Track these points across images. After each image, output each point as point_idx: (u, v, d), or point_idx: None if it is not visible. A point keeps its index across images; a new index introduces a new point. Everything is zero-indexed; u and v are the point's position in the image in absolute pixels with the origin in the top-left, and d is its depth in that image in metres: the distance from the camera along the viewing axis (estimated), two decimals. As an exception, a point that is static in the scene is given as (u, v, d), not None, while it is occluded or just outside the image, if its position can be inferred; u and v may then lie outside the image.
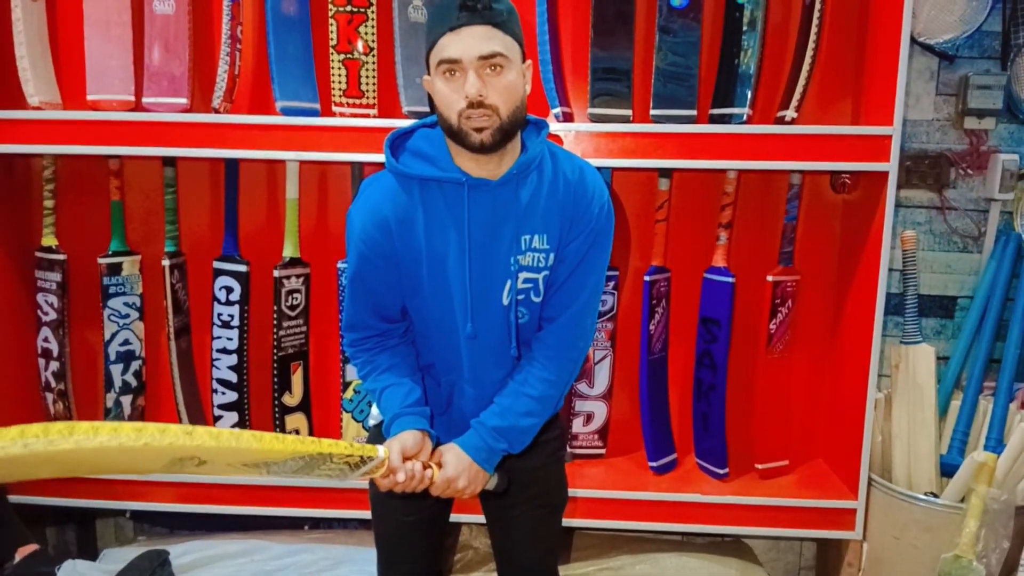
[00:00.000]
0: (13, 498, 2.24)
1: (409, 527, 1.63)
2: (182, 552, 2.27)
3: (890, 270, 2.12)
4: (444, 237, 1.39)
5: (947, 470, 2.22)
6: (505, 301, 1.43)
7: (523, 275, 1.42)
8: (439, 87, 1.31)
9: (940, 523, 2.09)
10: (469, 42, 1.27)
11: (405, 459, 1.36)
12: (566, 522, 2.19)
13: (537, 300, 1.46)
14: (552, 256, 1.43)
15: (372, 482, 1.65)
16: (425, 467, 1.38)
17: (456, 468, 1.41)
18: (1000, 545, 2.02)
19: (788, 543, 2.64)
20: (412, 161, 1.39)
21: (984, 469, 2.02)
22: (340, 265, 2.27)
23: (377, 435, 1.62)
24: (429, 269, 1.41)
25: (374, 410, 1.62)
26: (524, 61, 1.36)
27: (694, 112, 2.15)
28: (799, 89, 2.09)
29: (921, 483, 2.22)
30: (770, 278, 2.23)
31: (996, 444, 2.18)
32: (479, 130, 1.30)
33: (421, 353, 1.54)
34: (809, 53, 2.08)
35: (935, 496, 2.16)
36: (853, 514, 2.19)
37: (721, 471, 2.30)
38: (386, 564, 1.70)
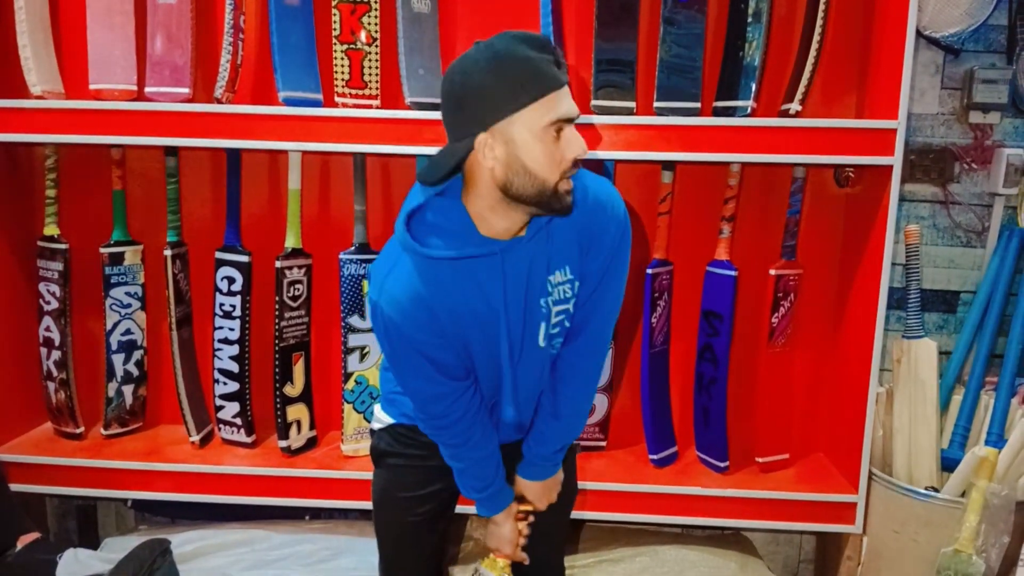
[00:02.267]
0: (14, 486, 2.25)
1: (414, 527, 1.63)
2: (183, 541, 2.27)
3: (893, 264, 2.12)
4: (484, 301, 1.36)
5: (948, 465, 2.22)
6: (542, 343, 1.44)
7: (556, 310, 1.42)
8: (540, 148, 1.23)
9: (940, 518, 2.09)
10: (571, 101, 1.25)
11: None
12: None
13: (568, 325, 1.48)
14: (577, 284, 1.42)
15: (376, 480, 1.66)
16: (518, 519, 1.61)
17: (537, 496, 1.59)
18: (1000, 540, 2.02)
19: (788, 536, 2.64)
20: (439, 243, 1.32)
21: (985, 464, 2.02)
22: (342, 256, 2.26)
23: (382, 439, 1.62)
24: (472, 333, 1.39)
25: (378, 412, 1.63)
26: None
27: (698, 105, 2.14)
28: (804, 82, 2.08)
29: (922, 477, 2.22)
30: (772, 272, 2.23)
31: (997, 439, 2.18)
32: (569, 192, 1.28)
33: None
34: (814, 46, 2.07)
35: (935, 491, 2.16)
36: (853, 508, 2.19)
37: (722, 464, 2.30)
38: (390, 565, 1.70)
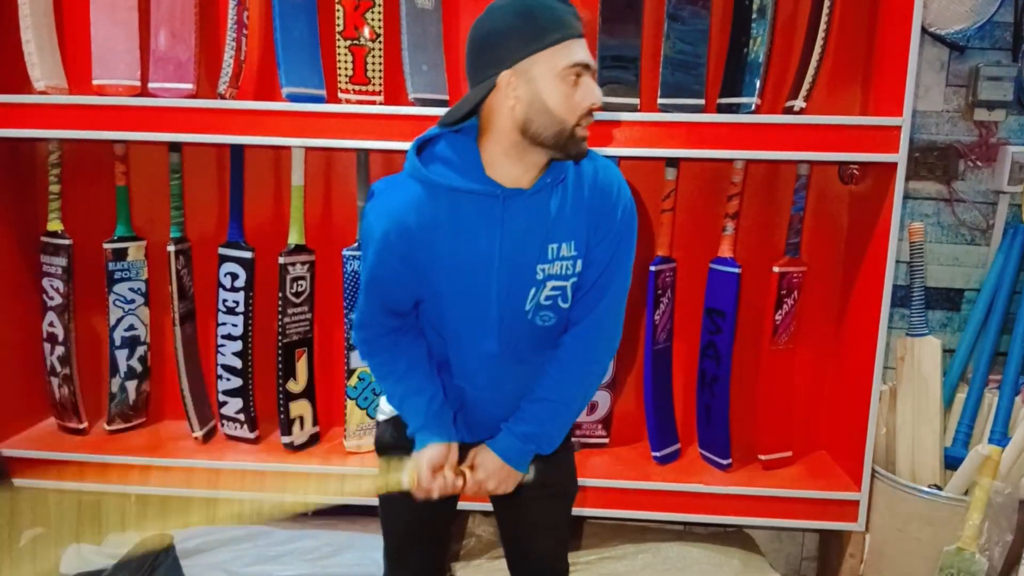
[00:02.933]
0: (18, 481, 2.25)
1: (418, 521, 1.63)
2: (186, 537, 2.28)
3: (897, 262, 2.11)
4: (472, 248, 1.35)
5: (951, 463, 2.22)
6: (527, 307, 1.41)
7: (551, 284, 1.40)
8: (561, 90, 1.28)
9: (943, 516, 2.09)
10: (588, 52, 1.30)
11: (434, 471, 1.42)
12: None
13: (564, 306, 1.44)
14: (580, 262, 1.41)
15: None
16: (456, 474, 1.44)
17: (488, 471, 1.46)
18: (1003, 538, 2.02)
19: (790, 534, 2.64)
20: (443, 170, 1.35)
21: (988, 462, 2.02)
22: (345, 252, 2.26)
23: (387, 430, 1.61)
24: (452, 278, 1.38)
25: (383, 404, 1.61)
26: None
27: (702, 101, 2.13)
28: (808, 79, 2.07)
29: (925, 475, 2.22)
30: (776, 269, 2.22)
31: (1001, 437, 2.17)
32: (584, 138, 1.32)
33: (434, 352, 1.51)
34: (819, 42, 2.07)
35: (939, 489, 2.15)
36: (856, 506, 2.19)
37: (724, 462, 2.30)
38: (393, 558, 1.70)
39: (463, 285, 1.38)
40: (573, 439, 2.36)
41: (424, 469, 1.41)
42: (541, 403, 1.47)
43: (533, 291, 1.40)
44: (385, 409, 1.62)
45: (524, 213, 1.36)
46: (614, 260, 1.43)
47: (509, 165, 1.34)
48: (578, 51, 1.28)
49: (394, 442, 1.61)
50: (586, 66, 1.29)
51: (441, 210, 1.34)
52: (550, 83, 1.27)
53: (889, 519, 2.18)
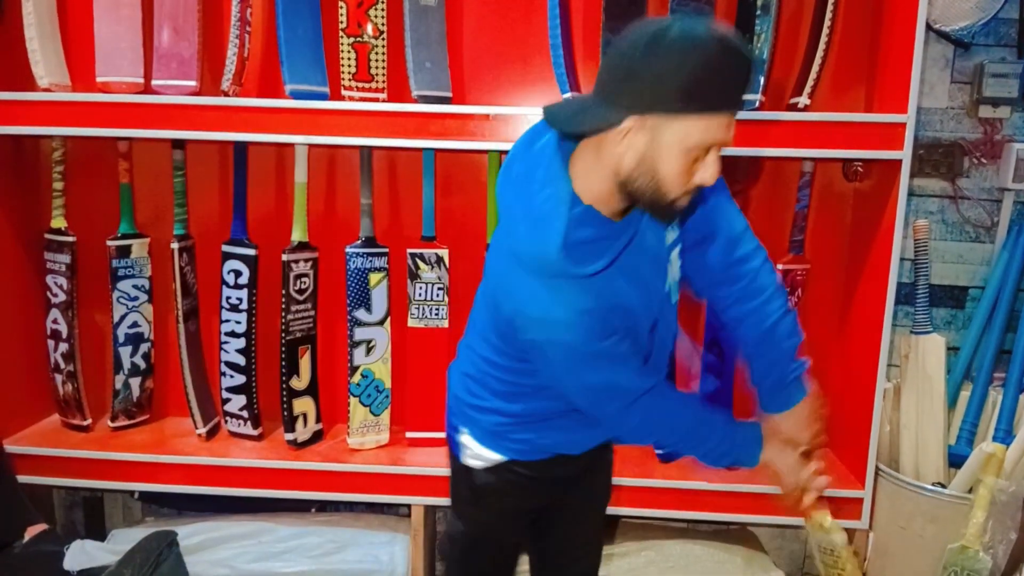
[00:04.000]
0: (21, 478, 2.25)
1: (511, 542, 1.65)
2: (190, 533, 2.28)
3: (901, 259, 2.11)
4: (638, 282, 1.31)
5: (955, 461, 2.22)
6: (672, 293, 1.40)
7: (674, 254, 1.38)
8: (681, 163, 1.14)
9: (947, 514, 2.08)
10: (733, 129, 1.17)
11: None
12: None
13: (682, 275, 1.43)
14: (675, 232, 1.38)
15: (474, 511, 1.61)
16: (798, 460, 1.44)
17: (794, 427, 1.44)
18: (1007, 536, 2.02)
19: (793, 531, 2.64)
20: (590, 255, 1.23)
21: (992, 460, 2.02)
22: (348, 250, 2.26)
23: (494, 476, 1.51)
24: (634, 312, 1.31)
25: (476, 446, 1.50)
26: None
27: (706, 98, 2.12)
28: (812, 75, 2.07)
29: (929, 473, 2.22)
30: (780, 266, 2.22)
31: (1005, 435, 2.17)
32: (682, 207, 1.22)
33: None
34: (823, 39, 2.06)
35: (943, 487, 2.15)
36: (859, 503, 2.18)
37: (728, 459, 2.30)
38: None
39: (644, 311, 1.33)
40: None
41: (803, 471, 1.42)
42: (778, 339, 1.49)
43: (670, 270, 1.37)
44: (482, 454, 1.50)
45: (645, 235, 1.31)
46: (725, 197, 1.45)
47: (616, 202, 1.23)
48: (725, 130, 1.14)
49: (503, 487, 1.52)
50: (723, 144, 1.16)
51: (600, 281, 1.24)
52: (673, 151, 1.13)
53: (893, 517, 2.18)
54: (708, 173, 1.16)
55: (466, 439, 1.51)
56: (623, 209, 1.26)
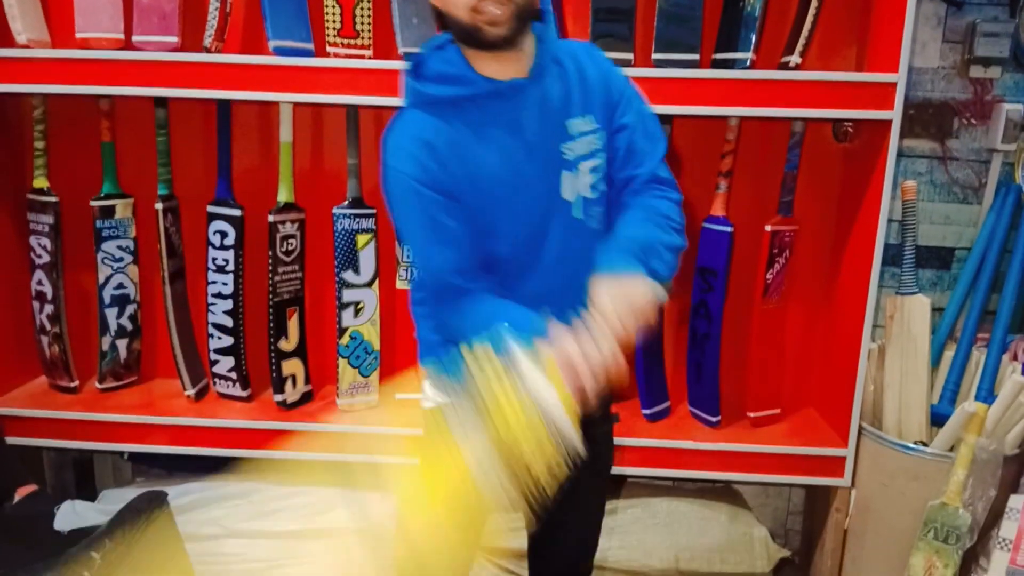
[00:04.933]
0: (11, 439, 2.26)
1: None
2: (180, 493, 2.30)
3: (889, 220, 2.11)
4: (501, 152, 1.31)
5: (937, 420, 2.25)
6: (568, 197, 1.35)
7: (586, 166, 1.35)
8: None
9: (928, 471, 2.12)
10: None
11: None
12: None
13: (604, 188, 1.38)
14: (602, 136, 1.37)
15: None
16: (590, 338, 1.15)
17: (607, 300, 1.18)
18: (987, 493, 2.06)
19: (777, 489, 2.68)
20: (441, 86, 1.30)
21: (974, 419, 2.04)
22: (335, 211, 2.24)
23: (432, 422, 1.48)
24: (494, 192, 1.30)
25: (428, 389, 1.49)
26: None
27: (697, 56, 2.10)
28: (804, 34, 2.04)
29: (911, 432, 2.25)
30: (768, 228, 2.22)
31: (987, 395, 2.20)
32: (493, 24, 1.23)
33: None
34: (815, -3, 2.04)
35: (925, 445, 2.18)
36: (842, 462, 2.21)
37: (713, 419, 2.32)
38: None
39: (506, 195, 1.31)
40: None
41: (572, 342, 1.15)
42: (639, 212, 1.36)
43: (568, 176, 1.34)
44: (431, 395, 1.48)
45: (531, 101, 1.32)
46: (639, 107, 1.41)
47: (485, 64, 1.30)
48: None
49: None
50: None
51: (456, 125, 1.30)
52: None
53: (875, 475, 2.22)
54: None
55: (424, 384, 1.51)
56: (510, 70, 1.30)
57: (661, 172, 1.41)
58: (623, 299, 1.19)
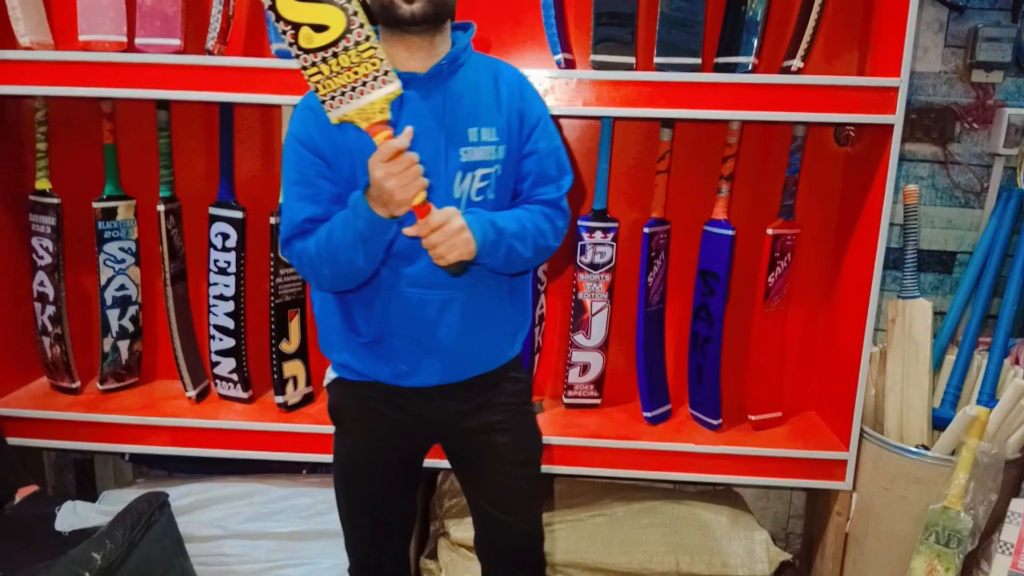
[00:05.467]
0: (11, 440, 2.26)
1: (381, 496, 1.63)
2: (181, 494, 2.30)
3: (891, 225, 2.11)
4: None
5: (939, 424, 2.25)
6: (456, 194, 1.44)
7: (479, 172, 1.44)
8: None
9: (930, 475, 2.12)
10: None
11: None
12: (560, 469, 2.23)
13: (492, 197, 1.47)
14: (502, 148, 1.45)
15: (335, 446, 1.64)
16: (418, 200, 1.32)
17: (445, 214, 1.33)
18: (988, 498, 2.05)
19: (778, 492, 2.68)
20: None
21: (976, 423, 2.04)
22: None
23: (337, 395, 1.62)
24: (362, 168, 1.36)
25: (329, 371, 1.61)
26: None
27: (699, 60, 2.10)
28: (806, 38, 2.04)
29: (913, 436, 2.25)
30: (770, 231, 2.22)
31: (989, 399, 2.20)
32: (410, 0, 1.32)
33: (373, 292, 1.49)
34: (817, 1, 2.03)
35: (926, 449, 2.18)
36: (844, 465, 2.21)
37: (715, 422, 2.32)
38: (354, 539, 1.71)
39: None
40: (566, 400, 2.39)
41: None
42: (512, 213, 1.48)
43: (459, 176, 1.43)
44: (329, 372, 1.61)
45: (428, 95, 1.41)
46: (550, 140, 1.52)
47: (395, 51, 1.40)
48: None
49: (344, 409, 1.62)
50: None
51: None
52: None
53: (876, 478, 2.22)
54: None
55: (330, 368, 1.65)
56: (416, 62, 1.40)
57: (561, 203, 1.54)
58: (446, 231, 1.32)
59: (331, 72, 1.28)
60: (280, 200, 2.02)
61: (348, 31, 1.26)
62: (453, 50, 1.44)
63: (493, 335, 1.56)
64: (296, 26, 1.25)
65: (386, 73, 1.30)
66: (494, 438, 1.60)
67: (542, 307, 2.40)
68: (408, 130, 1.30)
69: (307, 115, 1.44)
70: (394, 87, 1.31)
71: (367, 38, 1.28)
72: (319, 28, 1.26)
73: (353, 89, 1.29)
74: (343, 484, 1.68)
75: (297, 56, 1.28)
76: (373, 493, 1.64)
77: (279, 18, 1.25)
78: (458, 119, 1.43)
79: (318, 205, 1.44)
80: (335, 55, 1.27)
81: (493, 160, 1.45)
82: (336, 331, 1.55)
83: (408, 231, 1.34)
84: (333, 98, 1.30)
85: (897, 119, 1.99)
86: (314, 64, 1.28)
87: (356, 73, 1.29)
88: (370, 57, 1.28)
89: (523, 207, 1.51)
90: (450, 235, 1.33)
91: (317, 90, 1.30)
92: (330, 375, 1.62)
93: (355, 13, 1.27)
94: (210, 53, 2.09)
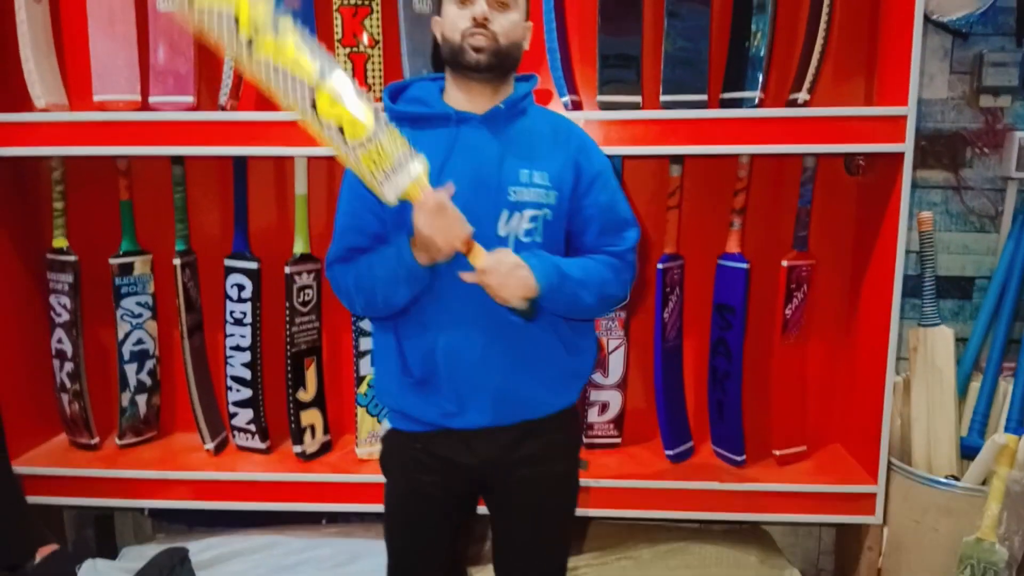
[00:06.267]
0: (31, 498, 2.25)
1: (427, 535, 1.63)
2: (201, 548, 2.28)
3: (906, 252, 2.09)
4: (431, 166, 1.41)
5: (968, 452, 2.20)
6: (502, 232, 1.45)
7: (528, 212, 1.46)
8: (449, 12, 1.44)
9: (961, 506, 2.07)
10: None
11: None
12: (583, 512, 2.20)
13: (540, 240, 1.48)
14: (553, 194, 1.47)
15: (385, 504, 1.65)
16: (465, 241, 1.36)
17: (498, 257, 1.38)
18: (1022, 527, 2.00)
19: (807, 529, 2.63)
20: (406, 105, 1.51)
21: (1005, 451, 2.00)
22: (351, 260, 2.26)
23: (384, 444, 1.64)
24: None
25: (386, 423, 1.63)
26: (527, 20, 1.51)
27: (705, 97, 2.12)
28: (811, 71, 2.05)
29: (941, 466, 2.20)
30: (785, 263, 2.21)
31: (1017, 425, 2.16)
32: (478, 49, 1.42)
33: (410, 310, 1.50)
34: (821, 34, 2.05)
35: (956, 479, 2.14)
36: (873, 499, 2.17)
37: (738, 458, 2.29)
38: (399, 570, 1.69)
39: None
40: (585, 440, 2.36)
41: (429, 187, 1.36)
42: (577, 260, 1.51)
43: (506, 215, 1.45)
44: (386, 424, 1.63)
45: (480, 136, 1.46)
46: (613, 193, 1.55)
47: (458, 93, 1.49)
48: None
49: (395, 456, 1.62)
50: None
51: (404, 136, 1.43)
52: (447, 9, 1.46)
53: (907, 511, 2.17)
54: (477, 8, 1.42)
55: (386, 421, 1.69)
56: (475, 105, 1.48)
57: (627, 256, 1.57)
58: (501, 271, 1.36)
59: (378, 155, 1.34)
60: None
61: (377, 119, 1.35)
62: (512, 97, 1.50)
63: (544, 380, 1.53)
64: (339, 126, 1.33)
65: (413, 148, 1.38)
66: (535, 488, 1.58)
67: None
68: (449, 184, 1.36)
69: None
70: (423, 157, 1.38)
71: (389, 121, 1.39)
72: (355, 123, 1.33)
73: (398, 166, 1.35)
74: (387, 531, 1.69)
75: (347, 152, 1.35)
76: (415, 541, 1.64)
77: (320, 122, 1.33)
78: (510, 159, 1.46)
79: (362, 237, 1.51)
80: (379, 141, 1.34)
81: (543, 203, 1.47)
82: (390, 373, 1.55)
83: (465, 276, 1.38)
84: (386, 179, 1.35)
85: (907, 147, 1.98)
86: (363, 150, 1.34)
87: (396, 150, 1.35)
88: (398, 137, 1.36)
89: (588, 256, 1.54)
90: (505, 275, 1.37)
91: (372, 173, 1.35)
92: (385, 426, 1.66)
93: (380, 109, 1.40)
94: (223, 108, 2.12)
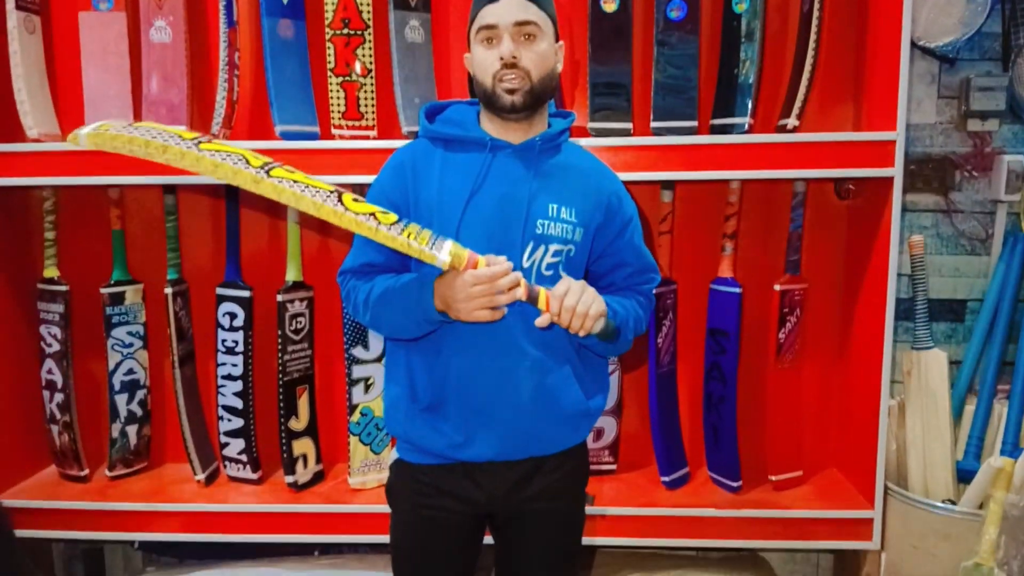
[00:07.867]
0: (20, 532, 2.22)
1: (438, 571, 1.60)
2: (192, 582, 2.25)
3: (898, 275, 2.10)
4: (460, 189, 1.43)
5: (964, 476, 2.19)
6: (525, 263, 1.44)
7: (552, 247, 1.46)
8: (477, 53, 1.44)
9: (959, 531, 2.06)
10: (505, 10, 1.41)
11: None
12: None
13: (561, 276, 1.43)
14: (579, 231, 1.47)
15: (391, 536, 1.62)
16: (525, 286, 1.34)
17: (567, 283, 1.36)
18: (1021, 552, 1.99)
19: (804, 555, 2.61)
20: (442, 126, 1.51)
21: (1002, 475, 2.00)
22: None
23: (392, 473, 1.61)
24: (440, 214, 1.43)
25: (393, 451, 1.61)
26: (557, 40, 1.49)
27: (695, 123, 2.13)
28: (800, 97, 2.07)
29: (938, 490, 2.19)
30: (777, 287, 2.21)
31: (1013, 448, 2.15)
32: (511, 92, 1.41)
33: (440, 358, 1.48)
34: (809, 60, 2.07)
35: (953, 503, 2.13)
36: (870, 524, 2.15)
37: (734, 484, 2.27)
38: None
39: (455, 227, 1.42)
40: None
41: (472, 256, 1.32)
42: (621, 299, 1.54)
43: (531, 246, 1.45)
44: (393, 454, 1.60)
45: (512, 164, 1.46)
46: (643, 244, 1.59)
47: (491, 128, 1.49)
48: (486, 16, 1.42)
49: (401, 487, 1.59)
50: (490, 27, 1.41)
51: (436, 156, 1.49)
52: (475, 50, 1.45)
53: (904, 536, 2.15)
54: (504, 48, 1.40)
55: (394, 448, 1.64)
56: (517, 136, 1.48)
57: (652, 297, 1.63)
58: (571, 296, 1.34)
59: (417, 231, 1.33)
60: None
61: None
62: (549, 131, 1.49)
63: (555, 418, 1.50)
64: (371, 212, 1.33)
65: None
66: (542, 525, 1.56)
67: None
68: (495, 261, 1.33)
69: (392, 167, 1.52)
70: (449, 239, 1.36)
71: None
72: (384, 211, 1.35)
73: (435, 238, 1.33)
74: (395, 563, 1.65)
75: (391, 232, 1.32)
76: (424, 572, 1.60)
77: (355, 213, 1.32)
78: (540, 192, 1.46)
79: (380, 255, 1.50)
80: (409, 221, 1.36)
81: (568, 239, 1.47)
82: (399, 399, 1.53)
83: (540, 322, 1.35)
84: (431, 247, 1.31)
85: (896, 171, 2.00)
86: (399, 228, 1.33)
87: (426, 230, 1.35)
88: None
89: (622, 294, 1.56)
90: (580, 291, 1.35)
91: (420, 241, 1.32)
92: (393, 455, 1.61)
93: None
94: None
